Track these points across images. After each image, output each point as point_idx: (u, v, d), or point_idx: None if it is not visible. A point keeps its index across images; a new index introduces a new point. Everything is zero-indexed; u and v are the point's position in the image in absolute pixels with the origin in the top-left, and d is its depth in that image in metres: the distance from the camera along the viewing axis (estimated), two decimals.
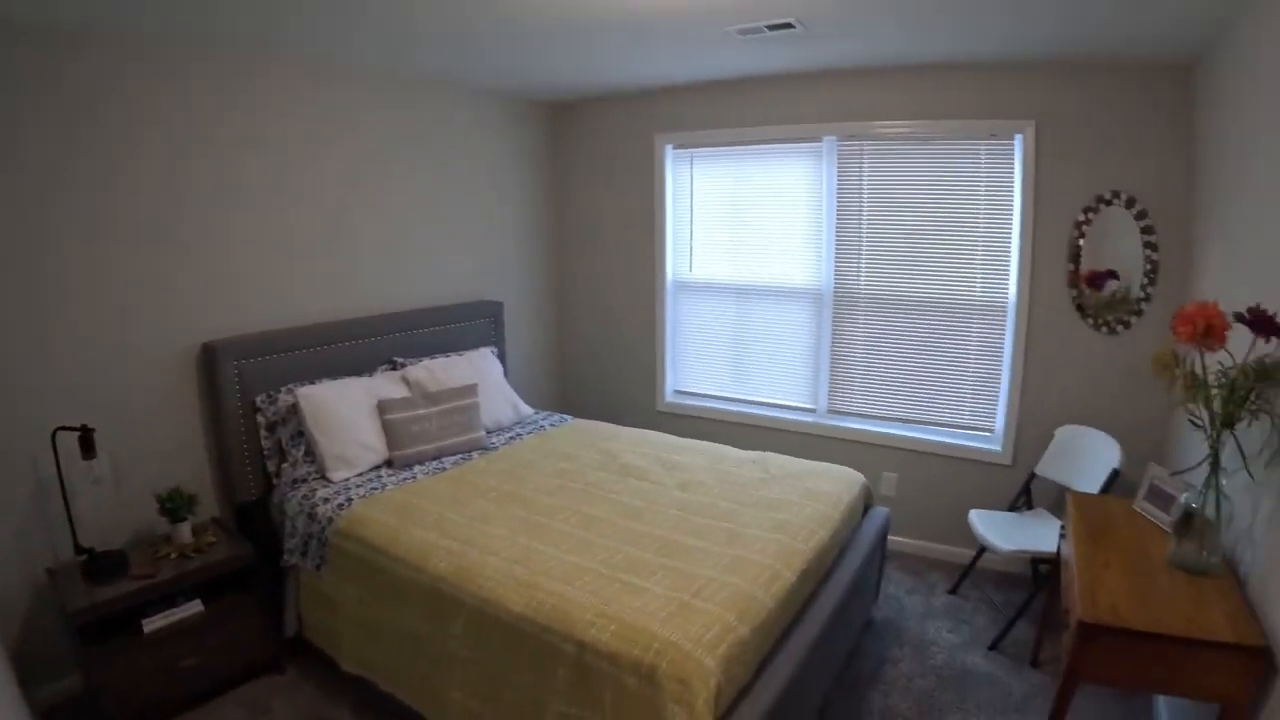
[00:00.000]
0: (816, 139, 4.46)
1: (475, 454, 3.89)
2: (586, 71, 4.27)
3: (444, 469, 3.66)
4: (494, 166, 5.01)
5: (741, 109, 4.63)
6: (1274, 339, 1.99)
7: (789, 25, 3.19)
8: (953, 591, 4.02)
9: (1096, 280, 3.79)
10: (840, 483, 3.51)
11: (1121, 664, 2.05)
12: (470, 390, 4.05)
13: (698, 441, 4.17)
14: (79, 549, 2.94)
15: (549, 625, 2.39)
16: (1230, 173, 2.95)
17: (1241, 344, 2.10)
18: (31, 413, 2.92)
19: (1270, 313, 1.99)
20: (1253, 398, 2.08)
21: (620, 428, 4.44)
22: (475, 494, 3.34)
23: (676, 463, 3.76)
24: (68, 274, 3.01)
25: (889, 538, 4.37)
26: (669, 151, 5.01)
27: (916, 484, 4.47)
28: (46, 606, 3.00)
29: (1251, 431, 2.19)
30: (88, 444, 2.86)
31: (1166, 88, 3.54)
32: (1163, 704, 2.91)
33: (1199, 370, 2.21)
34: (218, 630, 3.06)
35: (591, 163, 5.36)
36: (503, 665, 2.52)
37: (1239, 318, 2.04)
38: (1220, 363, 2.18)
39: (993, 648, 3.49)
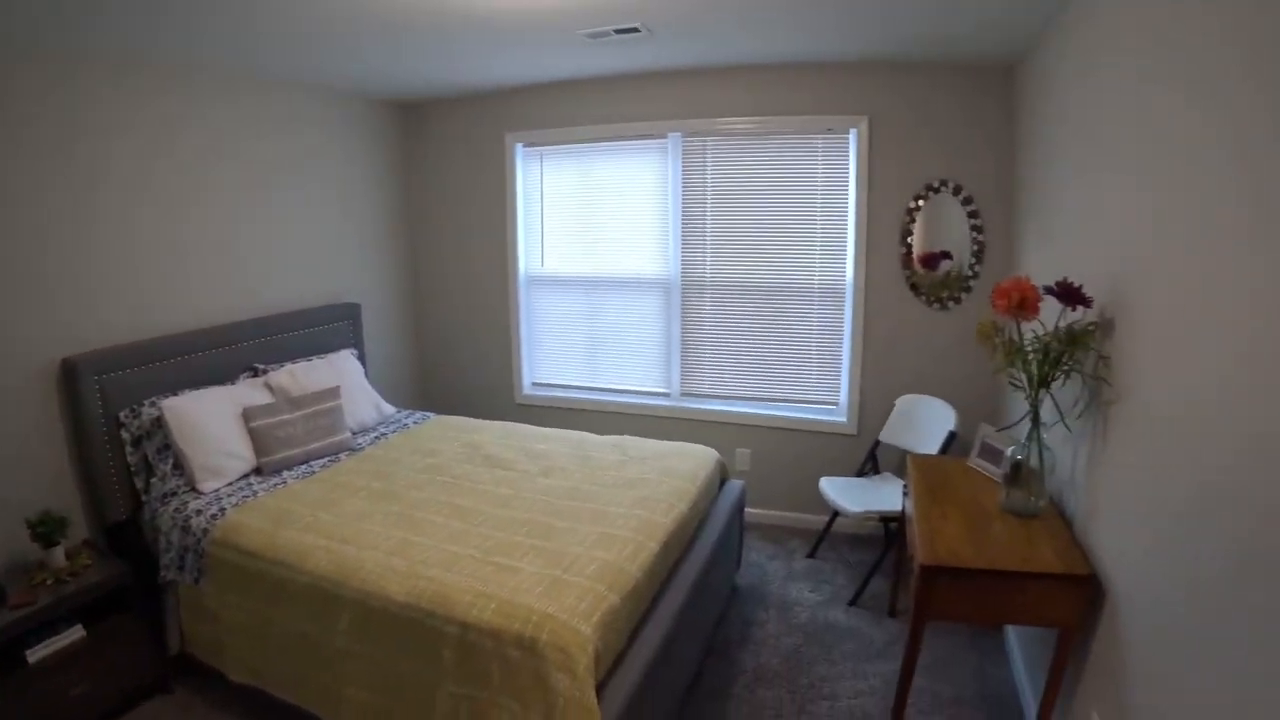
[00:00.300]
0: (662, 136, 4.63)
1: (343, 455, 3.86)
2: (438, 72, 4.28)
3: (313, 472, 3.62)
4: (348, 167, 4.91)
5: (589, 108, 4.75)
6: (1080, 308, 2.29)
7: (635, 29, 3.34)
8: (811, 555, 4.31)
9: (930, 261, 4.15)
10: (695, 460, 3.71)
11: (963, 601, 2.32)
12: (333, 393, 4.01)
13: (559, 430, 4.28)
14: None
15: (431, 610, 2.46)
16: (1042, 163, 3.33)
17: (1054, 313, 2.40)
18: None
19: (1076, 285, 2.28)
20: (1065, 360, 2.38)
21: (483, 421, 4.49)
22: (347, 494, 3.33)
23: (540, 451, 3.87)
24: None
25: (747, 510, 4.62)
26: (519, 150, 5.08)
27: (769, 458, 4.74)
28: None
29: (1065, 389, 2.51)
30: None
31: (990, 86, 3.94)
32: (1013, 639, 3.27)
33: (1016, 338, 2.50)
34: (102, 654, 2.94)
35: (444, 162, 5.35)
36: (391, 655, 2.56)
37: (1049, 290, 2.34)
38: (1034, 331, 2.47)
39: (852, 603, 3.78)
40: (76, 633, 2.90)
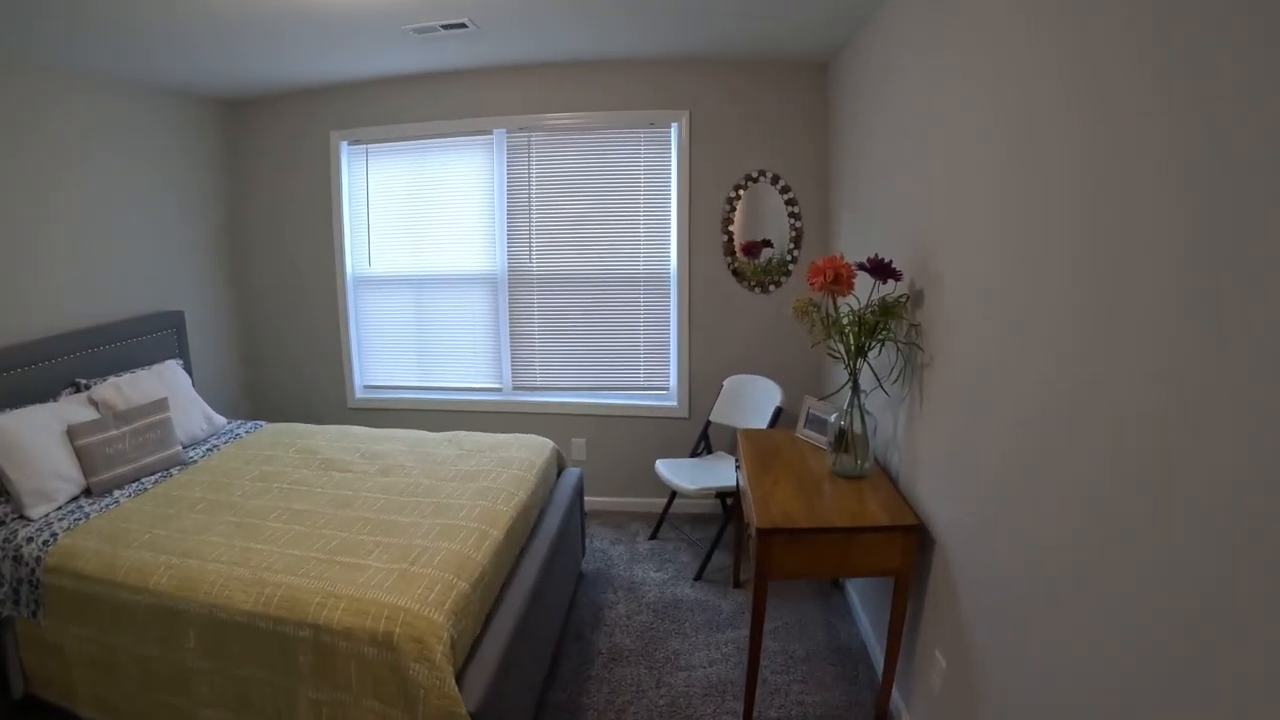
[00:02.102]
0: (487, 132, 4.62)
1: (175, 470, 3.64)
2: (264, 68, 4.11)
3: (145, 489, 3.39)
4: (170, 168, 4.56)
5: (416, 105, 4.66)
6: (891, 281, 2.50)
7: (462, 25, 3.33)
8: (653, 537, 4.43)
9: (752, 250, 4.37)
10: (531, 449, 3.75)
11: (800, 559, 2.48)
12: (161, 405, 3.77)
13: (396, 430, 4.18)
14: None
15: (281, 616, 2.38)
16: (854, 152, 3.59)
17: (867, 289, 2.60)
18: None
19: (886, 260, 2.49)
20: (879, 329, 2.59)
21: (317, 426, 4.33)
22: (183, 508, 3.15)
23: (376, 451, 3.79)
24: None
25: (587, 498, 4.70)
26: (344, 148, 4.91)
27: (605, 445, 4.83)
28: None
29: (881, 357, 2.72)
30: None
31: (805, 81, 4.19)
32: (855, 595, 3.50)
33: (833, 312, 2.69)
34: None
35: (270, 161, 5.06)
36: (245, 668, 2.45)
37: (861, 266, 2.54)
38: (850, 305, 2.67)
39: (698, 578, 3.92)
40: None
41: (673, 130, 4.38)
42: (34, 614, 2.84)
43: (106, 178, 4.15)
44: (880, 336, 2.61)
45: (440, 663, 2.22)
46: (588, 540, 4.33)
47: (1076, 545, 1.53)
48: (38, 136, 3.72)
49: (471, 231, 4.82)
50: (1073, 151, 1.54)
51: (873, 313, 2.59)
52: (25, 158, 3.69)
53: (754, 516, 2.54)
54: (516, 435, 3.96)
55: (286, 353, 5.36)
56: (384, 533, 2.85)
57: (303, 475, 3.50)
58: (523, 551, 3.11)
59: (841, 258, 2.60)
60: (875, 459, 2.85)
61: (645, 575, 3.99)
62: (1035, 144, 1.70)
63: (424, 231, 4.94)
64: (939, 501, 2.38)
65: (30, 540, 2.92)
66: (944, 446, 2.33)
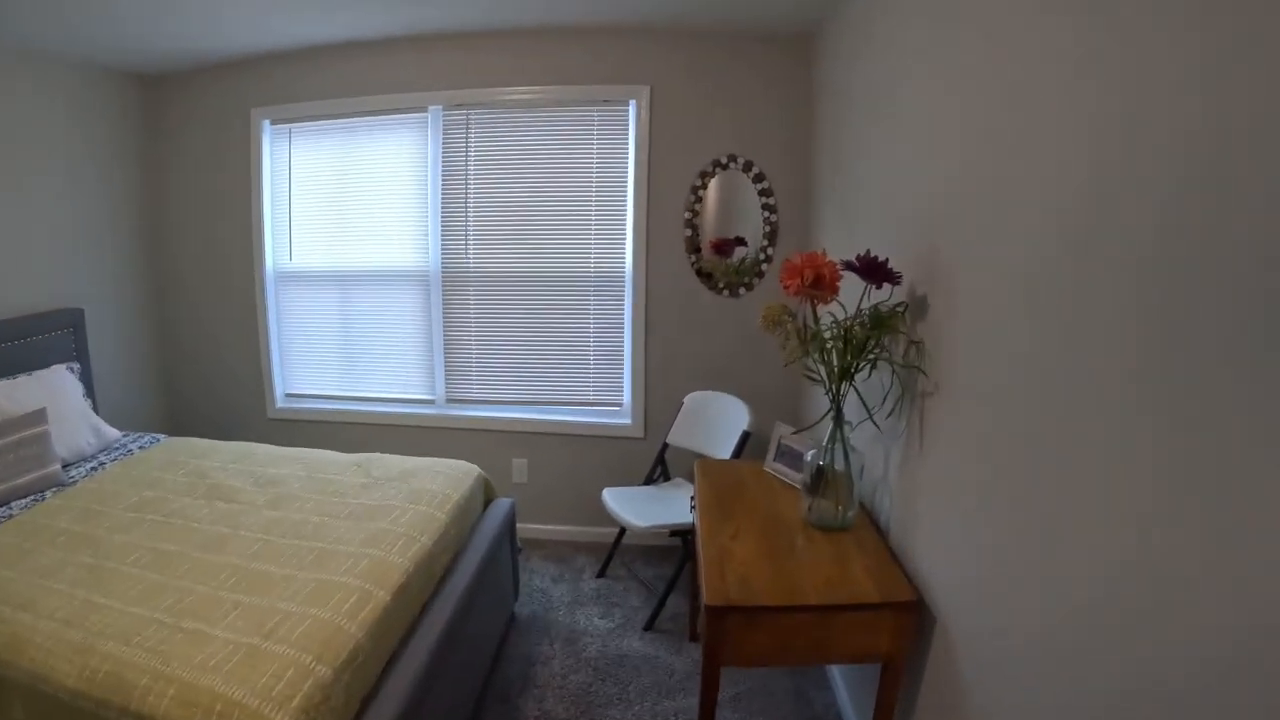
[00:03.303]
0: (422, 109, 4.06)
1: (49, 492, 3.08)
2: (179, 35, 3.59)
3: (11, 515, 2.86)
4: (71, 150, 3.97)
5: (345, 78, 4.08)
6: (886, 286, 1.96)
7: None
8: (601, 574, 3.87)
9: (724, 248, 3.82)
10: (450, 480, 3.19)
11: (761, 644, 1.93)
12: (38, 417, 3.18)
13: (303, 450, 3.62)
14: None
15: (104, 698, 1.87)
16: (840, 137, 3.04)
17: (855, 294, 2.06)
18: None
19: (881, 259, 1.94)
20: (870, 347, 2.04)
21: (219, 443, 3.75)
22: (43, 542, 2.61)
23: (273, 477, 3.23)
24: None
25: (529, 526, 4.21)
26: (266, 127, 4.32)
27: (550, 467, 4.28)
28: None
29: (871, 382, 2.18)
30: None
31: (784, 56, 3.64)
32: (835, 667, 2.94)
33: (812, 323, 2.15)
34: None
35: (186, 144, 4.45)
36: None
37: (849, 266, 1.99)
38: (833, 314, 2.13)
39: (648, 628, 3.37)
40: None
41: (630, 109, 3.82)
42: None
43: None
44: (871, 355, 2.06)
45: None
46: (526, 576, 3.80)
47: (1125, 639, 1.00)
48: None
49: (402, 223, 4.25)
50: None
51: (862, 325, 2.05)
52: None
53: (704, 583, 1.98)
54: (436, 461, 3.39)
55: (202, 357, 4.75)
56: (249, 589, 2.30)
57: (183, 505, 2.95)
58: (426, 607, 2.56)
59: (823, 253, 2.05)
60: (860, 504, 2.30)
61: (588, 622, 3.44)
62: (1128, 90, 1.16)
63: (351, 222, 4.36)
64: (942, 569, 1.84)
65: None
66: (951, 499, 1.79)
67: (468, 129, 4.05)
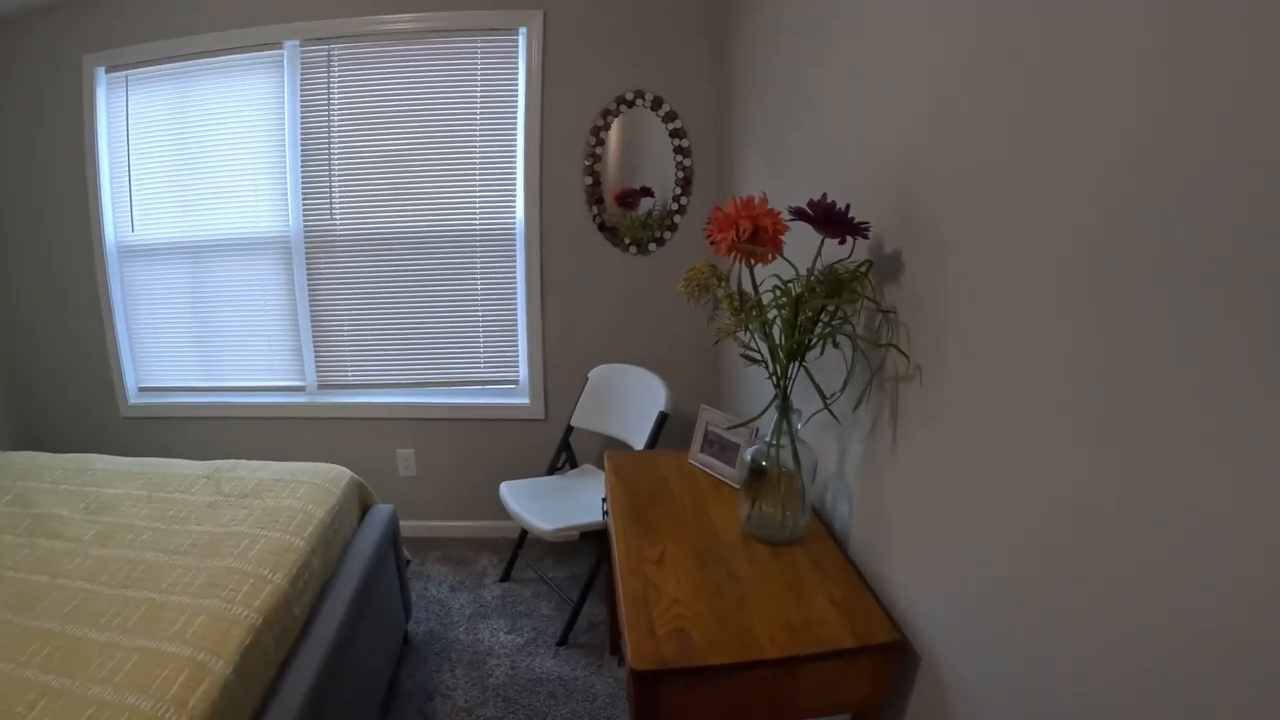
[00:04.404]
0: (278, 45, 3.43)
1: None
2: None
3: None
4: None
5: (190, 13, 3.41)
6: (850, 239, 1.50)
7: None
8: (505, 578, 3.39)
9: (629, 199, 3.33)
10: (314, 492, 2.64)
11: (710, 711, 1.49)
12: None
13: (149, 462, 3.01)
14: None
15: None
16: (773, 64, 2.55)
17: (803, 253, 1.60)
18: None
19: (839, 206, 1.48)
20: (825, 318, 1.59)
21: (58, 457, 3.09)
22: None
23: (108, 499, 2.62)
24: None
25: (421, 523, 3.78)
26: (100, 76, 3.58)
27: (441, 457, 3.77)
28: None
29: (825, 360, 1.73)
30: None
31: None
32: None
33: (750, 288, 1.69)
34: None
35: (13, 101, 3.70)
36: None
37: (800, 214, 1.52)
38: (778, 276, 1.67)
39: (562, 643, 2.92)
40: None
41: (520, 37, 3.27)
42: None
43: None
44: (826, 329, 1.61)
45: None
46: (421, 585, 3.34)
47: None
48: None
49: (258, 182, 3.62)
50: None
51: (814, 291, 1.59)
52: None
53: (627, 636, 1.52)
54: (300, 467, 2.82)
55: (40, 350, 4.01)
56: (58, 668, 1.73)
57: None
58: (288, 661, 2.03)
59: (762, 199, 1.57)
60: (811, 509, 1.87)
61: (494, 639, 2.97)
62: None
63: (200, 185, 3.70)
64: (928, 596, 1.43)
65: None
66: (938, 513, 1.37)
67: (330, 67, 3.45)
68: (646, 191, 3.33)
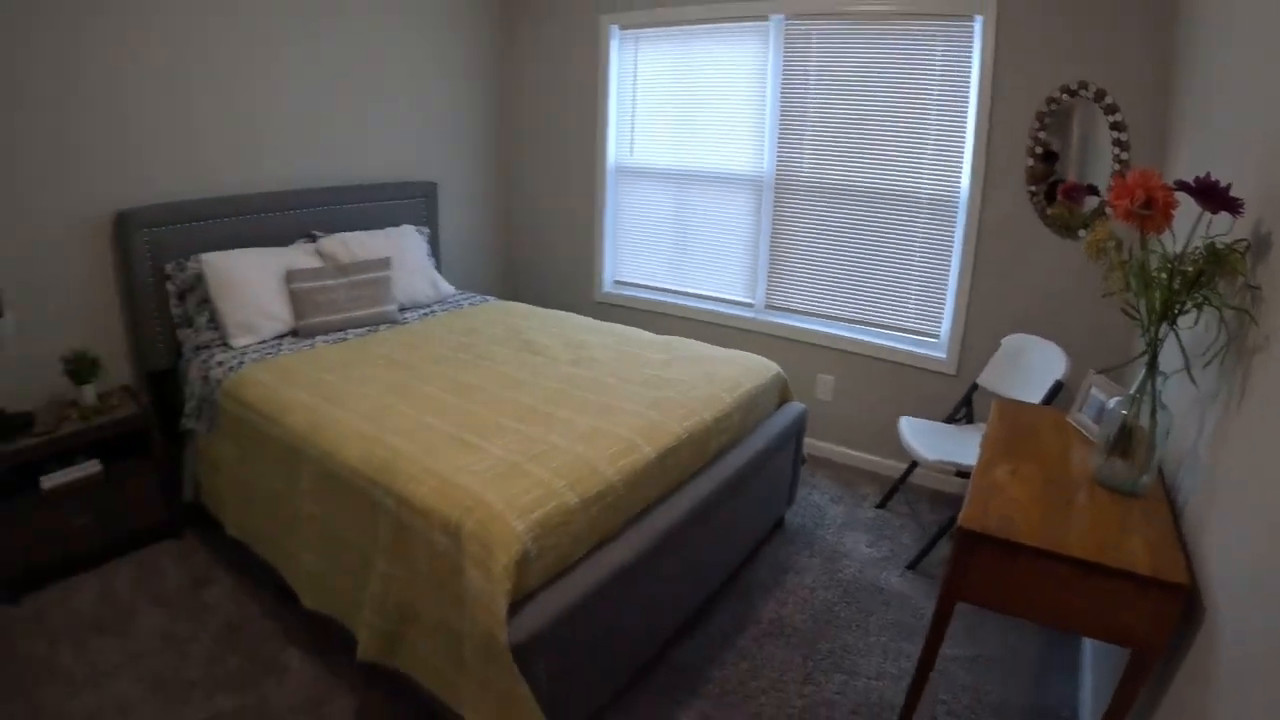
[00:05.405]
0: (764, 18, 4.07)
1: (382, 327, 3.76)
2: None
3: (346, 339, 3.54)
4: (432, 41, 4.68)
5: None
6: (1226, 214, 1.65)
7: None
8: (881, 506, 3.76)
9: (1074, 194, 3.39)
10: (745, 369, 3.27)
11: (1004, 585, 1.79)
12: (383, 263, 3.90)
13: (617, 325, 3.94)
14: None
15: (375, 478, 2.26)
16: (1210, 59, 2.56)
17: (1186, 227, 1.76)
18: None
19: (1220, 183, 1.63)
20: (1200, 285, 1.74)
21: (539, 309, 4.26)
22: (365, 361, 3.21)
23: (582, 341, 3.57)
24: None
25: (822, 443, 4.24)
26: (615, 33, 4.67)
27: (855, 389, 4.18)
28: None
29: (1197, 330, 1.87)
30: None
31: None
32: (1089, 650, 2.64)
33: (1139, 253, 1.87)
34: (115, 491, 3.04)
35: (538, 44, 5.01)
36: (340, 522, 2.40)
37: (1181, 185, 1.69)
38: (1163, 244, 1.83)
39: (911, 567, 3.24)
40: (93, 467, 2.99)
41: (976, 25, 3.48)
42: (209, 430, 3.08)
43: (384, 49, 4.40)
44: (1198, 297, 1.75)
45: (498, 575, 1.90)
46: (805, 490, 3.83)
47: None
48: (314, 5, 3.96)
49: (739, 128, 4.35)
50: None
51: (1195, 260, 1.75)
52: (320, 29, 3.99)
53: (965, 506, 1.87)
54: (739, 353, 3.49)
55: (539, 236, 5.34)
56: (530, 421, 2.59)
57: (494, 351, 3.39)
58: (691, 479, 2.68)
59: (1158, 174, 1.75)
60: (1160, 473, 2.01)
61: (853, 546, 3.38)
62: None
63: (689, 125, 4.59)
64: (1230, 559, 1.53)
65: (221, 364, 3.14)
66: (1262, 481, 1.48)
67: (809, 39, 4.00)
68: (1092, 189, 3.35)
